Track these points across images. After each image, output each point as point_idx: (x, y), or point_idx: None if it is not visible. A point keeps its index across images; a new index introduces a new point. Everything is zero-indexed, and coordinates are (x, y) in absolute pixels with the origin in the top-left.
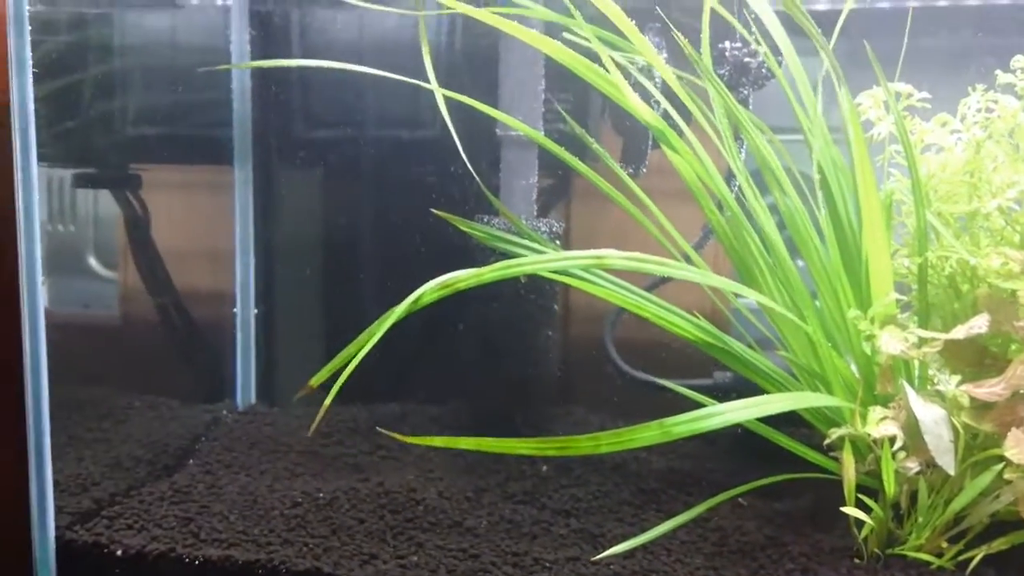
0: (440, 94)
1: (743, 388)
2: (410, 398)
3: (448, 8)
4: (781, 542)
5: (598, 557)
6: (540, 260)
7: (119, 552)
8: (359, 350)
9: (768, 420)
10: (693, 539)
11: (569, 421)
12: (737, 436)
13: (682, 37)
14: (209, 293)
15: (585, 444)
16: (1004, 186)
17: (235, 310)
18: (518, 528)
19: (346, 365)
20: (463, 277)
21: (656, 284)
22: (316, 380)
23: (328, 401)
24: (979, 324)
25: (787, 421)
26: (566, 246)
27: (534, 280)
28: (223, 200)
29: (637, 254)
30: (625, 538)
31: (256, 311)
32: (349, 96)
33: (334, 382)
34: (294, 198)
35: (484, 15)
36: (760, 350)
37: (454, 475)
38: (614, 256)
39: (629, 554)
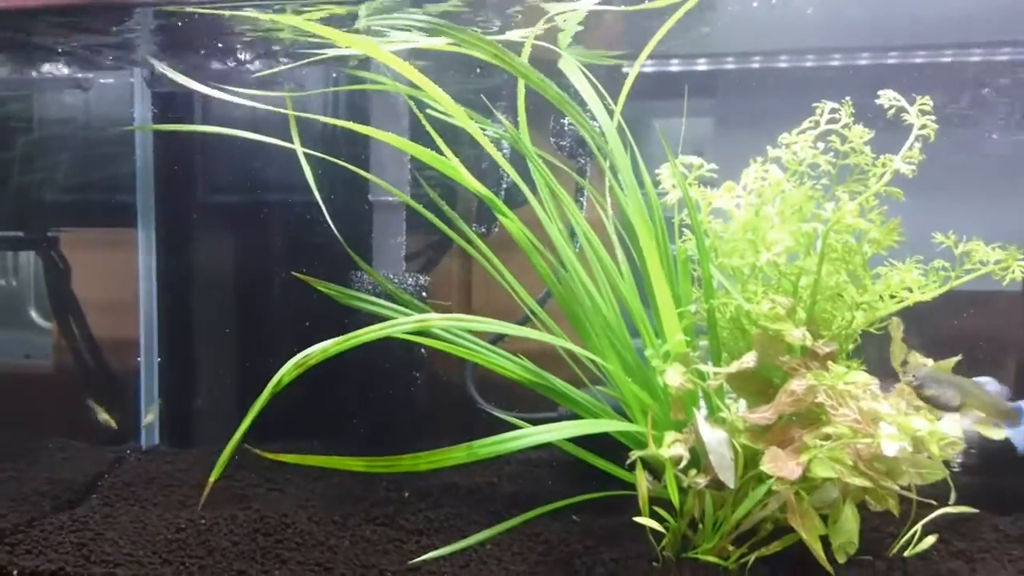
0: (306, 163)
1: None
2: (298, 437)
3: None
4: (597, 551)
5: (419, 560)
6: (375, 328)
7: (15, 572)
8: (240, 438)
9: (611, 448)
10: (523, 551)
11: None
12: (582, 464)
13: (506, 120)
14: (121, 343)
15: (406, 462)
16: (773, 243)
17: (139, 359)
18: (374, 546)
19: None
20: (313, 353)
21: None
22: (214, 476)
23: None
24: (748, 360)
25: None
26: (467, 294)
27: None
28: (129, 258)
29: (457, 315)
30: (467, 555)
31: (159, 360)
32: (244, 167)
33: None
34: (194, 256)
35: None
36: (589, 385)
37: (327, 503)
38: (435, 318)
39: (464, 563)
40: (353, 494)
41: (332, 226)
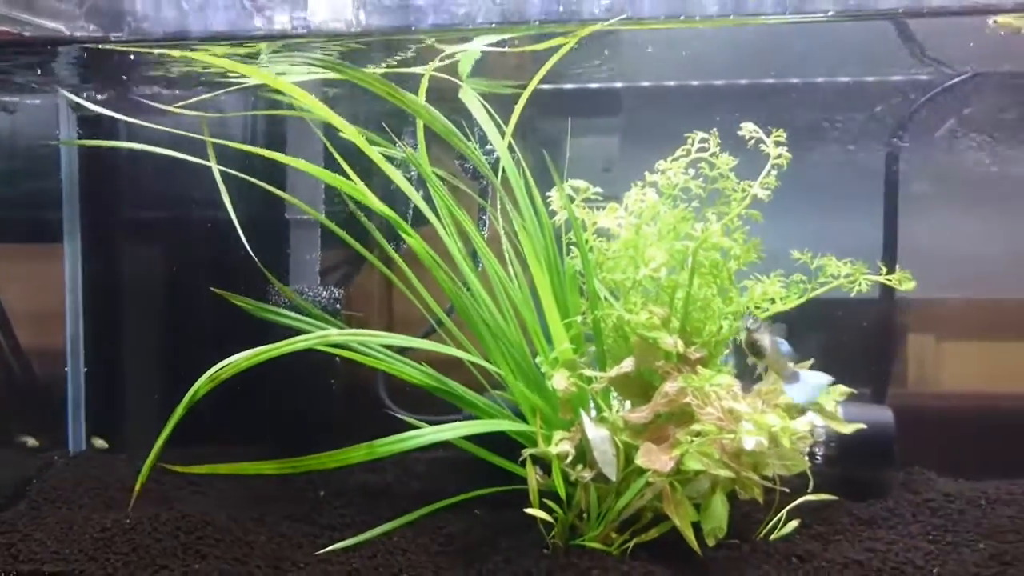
0: (224, 182)
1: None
2: (221, 442)
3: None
4: (494, 541)
5: (327, 550)
6: (281, 345)
7: None
8: (160, 448)
9: (513, 448)
10: (427, 542)
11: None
12: (486, 463)
13: (405, 144)
14: (49, 353)
15: (312, 462)
16: (651, 260)
17: (66, 368)
18: (289, 541)
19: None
20: (225, 367)
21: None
22: (138, 485)
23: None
24: (627, 365)
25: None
26: (388, 305)
27: None
28: (56, 272)
29: (357, 330)
30: (375, 546)
31: (85, 369)
32: (166, 185)
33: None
34: (118, 270)
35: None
36: (490, 390)
37: (246, 503)
38: (334, 333)
39: (372, 554)
40: (271, 494)
41: (246, 243)
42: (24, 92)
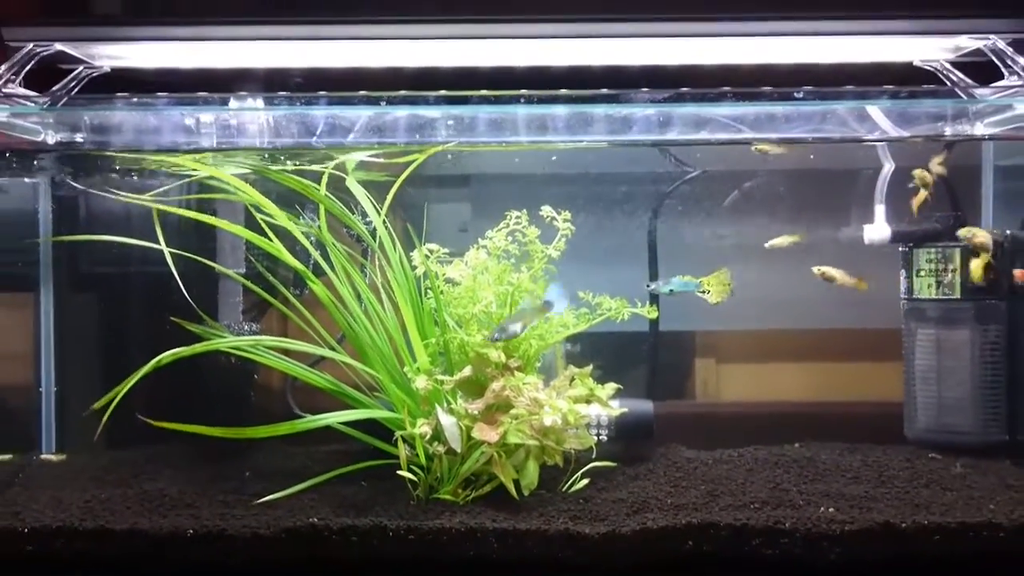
0: (169, 247)
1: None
2: (168, 442)
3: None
4: (376, 498)
5: (259, 501)
6: (222, 341)
7: None
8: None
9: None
10: (327, 501)
11: (267, 446)
12: (372, 449)
13: (308, 219)
14: (25, 378)
15: (252, 431)
16: (483, 299)
17: (41, 389)
18: (226, 504)
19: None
20: (169, 354)
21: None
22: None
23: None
24: (466, 372)
25: None
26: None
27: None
28: (32, 315)
29: (285, 339)
30: (291, 505)
31: (56, 389)
32: (122, 246)
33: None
34: (82, 313)
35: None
36: (369, 393)
37: (193, 482)
38: (267, 339)
39: (290, 508)
40: (208, 477)
41: (184, 291)
42: (13, 174)
